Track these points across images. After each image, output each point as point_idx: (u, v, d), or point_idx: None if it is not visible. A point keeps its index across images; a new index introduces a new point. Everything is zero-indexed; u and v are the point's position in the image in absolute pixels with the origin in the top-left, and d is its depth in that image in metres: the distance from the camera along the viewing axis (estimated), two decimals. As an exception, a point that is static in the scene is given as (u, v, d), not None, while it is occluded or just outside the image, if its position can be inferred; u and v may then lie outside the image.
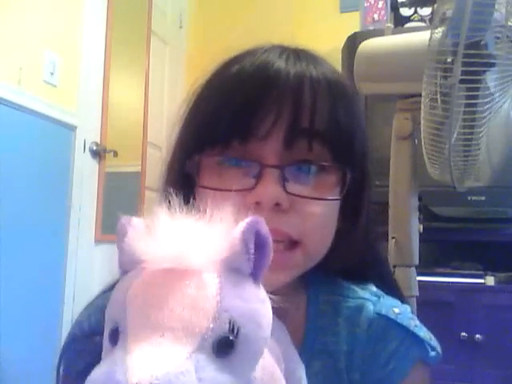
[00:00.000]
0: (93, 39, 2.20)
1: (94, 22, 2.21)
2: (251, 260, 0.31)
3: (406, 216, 1.14)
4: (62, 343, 0.53)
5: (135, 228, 0.32)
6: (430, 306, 1.65)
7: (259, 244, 0.31)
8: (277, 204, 0.45)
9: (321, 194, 0.48)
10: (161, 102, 2.74)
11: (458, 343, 1.80)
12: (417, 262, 1.15)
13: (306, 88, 0.48)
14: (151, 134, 2.50)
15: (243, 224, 0.31)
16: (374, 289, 0.56)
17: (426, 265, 1.64)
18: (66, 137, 2.04)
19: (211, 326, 0.28)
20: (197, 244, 0.30)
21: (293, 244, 0.46)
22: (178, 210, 0.32)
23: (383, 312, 0.53)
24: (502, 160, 1.12)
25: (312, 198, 0.47)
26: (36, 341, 1.81)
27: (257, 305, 0.31)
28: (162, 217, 0.31)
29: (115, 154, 2.27)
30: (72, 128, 2.06)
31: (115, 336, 0.30)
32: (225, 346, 0.29)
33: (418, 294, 1.13)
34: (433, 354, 0.52)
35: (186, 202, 0.33)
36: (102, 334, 0.31)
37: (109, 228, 2.19)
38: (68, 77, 2.05)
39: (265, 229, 0.31)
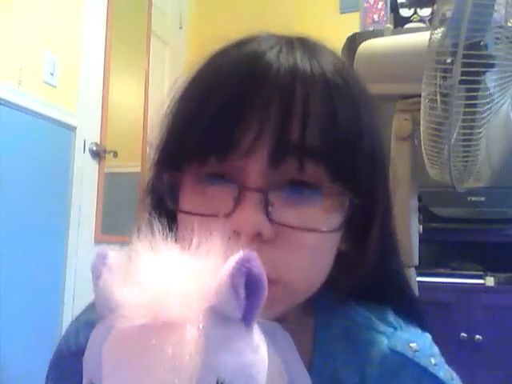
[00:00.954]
0: (93, 39, 2.20)
1: (94, 22, 2.22)
2: (242, 304, 0.27)
3: (406, 217, 1.14)
4: (51, 358, 0.51)
5: (110, 269, 0.28)
6: (430, 306, 1.65)
7: (251, 284, 0.27)
8: (259, 234, 0.37)
9: (314, 221, 0.39)
10: (161, 102, 2.74)
11: (458, 343, 1.80)
12: (417, 262, 1.16)
13: (298, 90, 0.39)
14: (151, 135, 2.49)
15: (232, 263, 0.27)
16: (391, 318, 0.49)
17: (426, 265, 1.64)
18: (65, 137, 2.04)
19: None
20: (178, 291, 0.26)
21: (273, 280, 0.38)
22: (160, 239, 0.28)
23: (398, 348, 0.46)
24: (502, 160, 1.12)
25: (301, 229, 0.39)
26: (36, 341, 1.81)
27: (249, 356, 0.28)
28: (141, 253, 0.28)
29: (115, 154, 2.27)
30: (72, 128, 2.06)
31: None
32: None
33: (417, 295, 1.13)
34: None
35: (168, 225, 0.30)
36: None
37: (109, 228, 2.19)
38: (68, 77, 2.05)
39: (258, 267, 0.27)
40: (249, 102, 0.39)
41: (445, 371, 0.47)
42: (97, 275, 0.28)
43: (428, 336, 0.49)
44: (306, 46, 0.43)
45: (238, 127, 0.38)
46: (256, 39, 0.44)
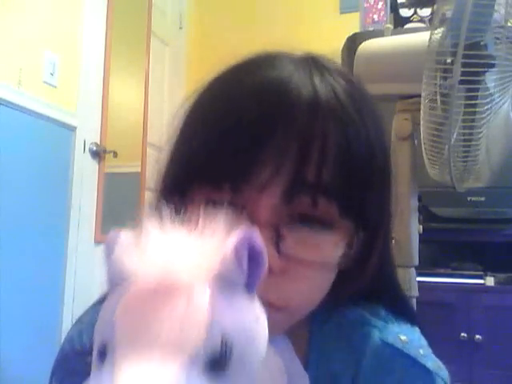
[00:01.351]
0: (93, 39, 2.20)
1: (94, 21, 2.22)
2: (245, 272, 0.30)
3: (406, 217, 1.14)
4: (55, 359, 0.51)
5: (123, 243, 0.30)
6: (430, 306, 1.65)
7: (253, 258, 0.30)
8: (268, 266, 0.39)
9: (323, 254, 0.41)
10: (161, 102, 2.74)
11: (458, 343, 1.81)
12: (416, 262, 1.16)
13: (318, 128, 0.40)
14: (151, 135, 2.50)
15: (235, 238, 0.29)
16: (383, 313, 0.51)
17: (426, 265, 1.64)
18: (65, 137, 2.04)
19: (203, 342, 0.27)
20: (187, 259, 0.29)
21: (278, 306, 0.39)
22: (168, 222, 0.30)
23: (389, 340, 0.49)
24: (502, 160, 1.12)
25: (311, 262, 0.40)
26: (36, 341, 1.81)
27: (251, 320, 0.30)
28: (151, 230, 0.30)
29: (115, 154, 2.27)
30: (72, 128, 2.06)
31: (103, 355, 0.28)
32: (217, 363, 0.27)
33: (417, 295, 1.13)
34: None
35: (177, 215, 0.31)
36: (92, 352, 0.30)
37: (109, 228, 2.18)
38: (68, 77, 2.05)
39: (259, 241, 0.30)
40: (269, 137, 0.39)
41: (433, 362, 0.49)
42: (109, 253, 0.30)
43: (417, 329, 0.52)
44: (322, 71, 0.43)
45: (256, 161, 0.39)
46: (273, 64, 0.43)
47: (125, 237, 0.31)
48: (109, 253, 0.31)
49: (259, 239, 0.29)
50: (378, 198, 0.44)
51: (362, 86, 0.46)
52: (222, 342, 0.27)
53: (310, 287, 0.41)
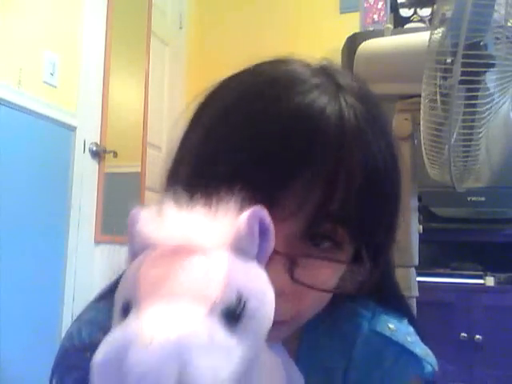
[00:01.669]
0: (93, 39, 2.20)
1: (94, 21, 2.22)
2: (256, 243, 0.32)
3: (406, 217, 1.14)
4: (56, 356, 0.51)
5: (146, 215, 0.33)
6: (430, 306, 1.65)
7: (262, 230, 0.32)
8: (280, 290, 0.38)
9: (332, 276, 0.43)
10: (161, 102, 2.74)
11: (458, 343, 1.81)
12: (416, 262, 1.16)
13: (345, 164, 0.40)
14: (151, 135, 2.50)
15: (247, 212, 0.31)
16: (372, 305, 0.53)
17: (426, 265, 1.64)
18: (65, 137, 2.04)
19: (221, 295, 0.29)
20: (204, 227, 0.31)
21: (287, 321, 0.41)
22: (184, 203, 0.32)
23: (378, 329, 0.51)
24: (502, 160, 1.12)
25: (322, 291, 0.42)
26: (36, 341, 1.81)
27: (262, 284, 0.32)
28: (169, 207, 0.32)
29: (115, 154, 2.27)
30: (72, 128, 2.06)
31: (126, 312, 0.30)
32: (232, 315, 0.29)
33: (417, 295, 1.13)
34: (429, 369, 0.50)
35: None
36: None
37: (109, 228, 2.19)
38: (68, 77, 2.05)
39: (267, 217, 0.32)
40: (298, 171, 0.39)
41: (421, 348, 0.51)
42: (134, 221, 0.33)
43: (404, 318, 0.53)
44: (345, 95, 0.43)
45: (282, 194, 0.39)
46: (298, 90, 0.41)
47: (146, 213, 0.33)
48: (132, 225, 0.33)
49: (267, 216, 0.32)
50: (390, 220, 0.46)
51: (371, 94, 0.46)
52: (237, 296, 0.29)
53: (319, 303, 0.44)
